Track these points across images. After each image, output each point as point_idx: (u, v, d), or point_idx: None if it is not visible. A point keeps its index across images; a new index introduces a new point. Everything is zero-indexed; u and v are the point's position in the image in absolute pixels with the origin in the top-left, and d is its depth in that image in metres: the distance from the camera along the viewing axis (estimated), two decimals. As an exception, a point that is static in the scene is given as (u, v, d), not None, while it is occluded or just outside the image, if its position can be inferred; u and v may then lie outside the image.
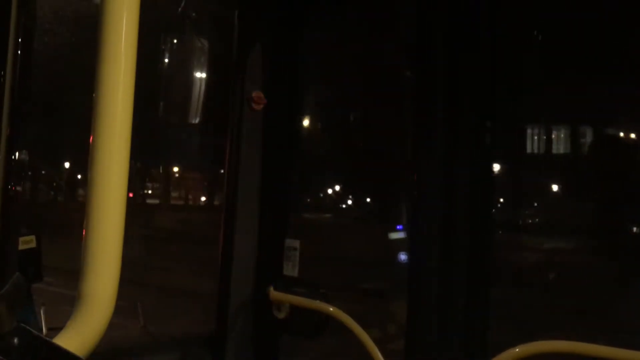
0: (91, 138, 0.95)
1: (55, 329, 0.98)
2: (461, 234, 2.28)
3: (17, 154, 1.05)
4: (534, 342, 1.92)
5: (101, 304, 0.93)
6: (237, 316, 2.65)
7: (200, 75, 2.75)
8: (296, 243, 2.64)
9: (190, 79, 2.74)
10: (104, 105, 0.97)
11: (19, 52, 1.05)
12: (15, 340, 0.87)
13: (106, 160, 0.96)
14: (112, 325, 1.03)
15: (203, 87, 2.79)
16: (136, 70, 0.99)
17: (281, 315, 2.56)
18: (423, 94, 2.37)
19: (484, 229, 2.31)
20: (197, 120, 2.88)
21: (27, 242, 1.81)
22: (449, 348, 2.25)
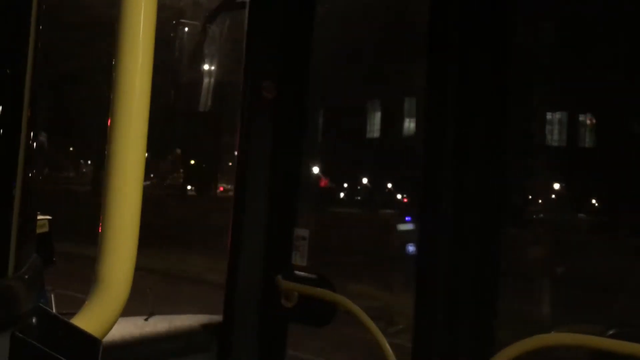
0: (109, 121, 0.96)
1: (66, 314, 0.99)
2: (470, 228, 2.28)
3: (36, 139, 1.06)
4: (540, 335, 1.92)
5: (118, 286, 0.94)
6: (246, 304, 2.66)
7: (211, 64, 2.75)
8: (305, 232, 2.65)
9: (201, 67, 2.75)
10: (122, 90, 0.98)
11: (38, 39, 1.06)
12: (34, 320, 0.88)
13: (124, 144, 0.96)
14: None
15: (214, 76, 2.80)
16: (153, 60, 1.00)
17: (289, 304, 2.57)
18: (434, 87, 2.37)
19: (493, 223, 2.31)
20: (207, 109, 2.89)
21: (40, 226, 1.83)
22: (457, 341, 2.26)
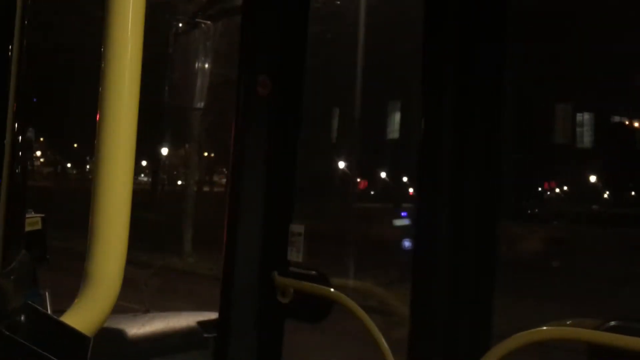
0: (97, 116, 0.95)
1: (60, 312, 0.98)
2: (467, 223, 2.27)
3: (22, 135, 1.05)
4: (537, 329, 1.92)
5: (108, 283, 0.93)
6: (242, 301, 2.66)
7: (205, 59, 2.74)
8: (301, 228, 2.65)
9: (195, 62, 2.73)
10: (111, 87, 0.97)
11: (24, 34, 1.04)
12: (22, 317, 0.87)
13: (113, 141, 0.95)
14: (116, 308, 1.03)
15: (208, 72, 2.78)
16: (142, 58, 0.99)
17: (285, 300, 2.57)
18: (431, 84, 2.37)
19: (490, 219, 2.31)
20: (201, 105, 2.87)
21: (32, 223, 1.82)
22: (454, 335, 2.26)
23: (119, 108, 0.96)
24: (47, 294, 2.20)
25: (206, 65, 2.72)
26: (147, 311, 2.68)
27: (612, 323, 1.78)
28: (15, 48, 0.91)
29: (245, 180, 2.68)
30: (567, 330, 1.85)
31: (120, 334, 2.44)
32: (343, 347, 8.16)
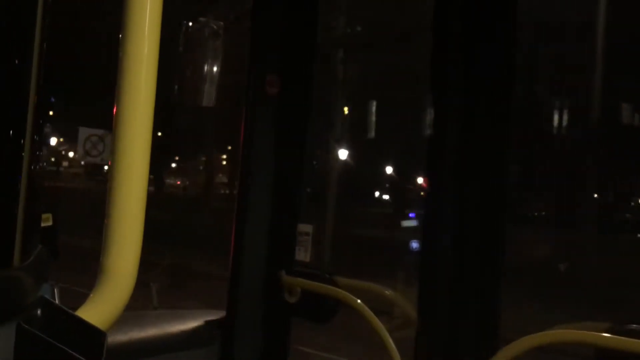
0: (114, 110, 0.96)
1: (72, 307, 0.99)
2: (473, 224, 2.28)
3: (41, 135, 1.06)
4: (544, 332, 1.92)
5: (123, 278, 0.94)
6: (249, 300, 2.66)
7: (215, 58, 2.75)
8: (308, 228, 2.65)
9: (205, 61, 2.74)
10: (128, 84, 0.97)
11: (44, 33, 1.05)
12: (39, 311, 0.88)
13: (129, 138, 0.96)
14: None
15: (218, 70, 2.79)
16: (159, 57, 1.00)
17: (292, 299, 2.57)
18: (438, 86, 2.37)
19: (496, 221, 2.31)
20: (211, 104, 2.88)
21: (44, 220, 1.83)
22: (460, 338, 2.26)
23: (135, 108, 0.97)
24: (55, 289, 2.21)
25: (215, 67, 2.73)
26: (154, 308, 2.69)
27: (624, 326, 1.77)
28: (36, 49, 0.92)
29: (253, 179, 2.69)
30: (578, 334, 1.84)
31: (127, 331, 2.45)
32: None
